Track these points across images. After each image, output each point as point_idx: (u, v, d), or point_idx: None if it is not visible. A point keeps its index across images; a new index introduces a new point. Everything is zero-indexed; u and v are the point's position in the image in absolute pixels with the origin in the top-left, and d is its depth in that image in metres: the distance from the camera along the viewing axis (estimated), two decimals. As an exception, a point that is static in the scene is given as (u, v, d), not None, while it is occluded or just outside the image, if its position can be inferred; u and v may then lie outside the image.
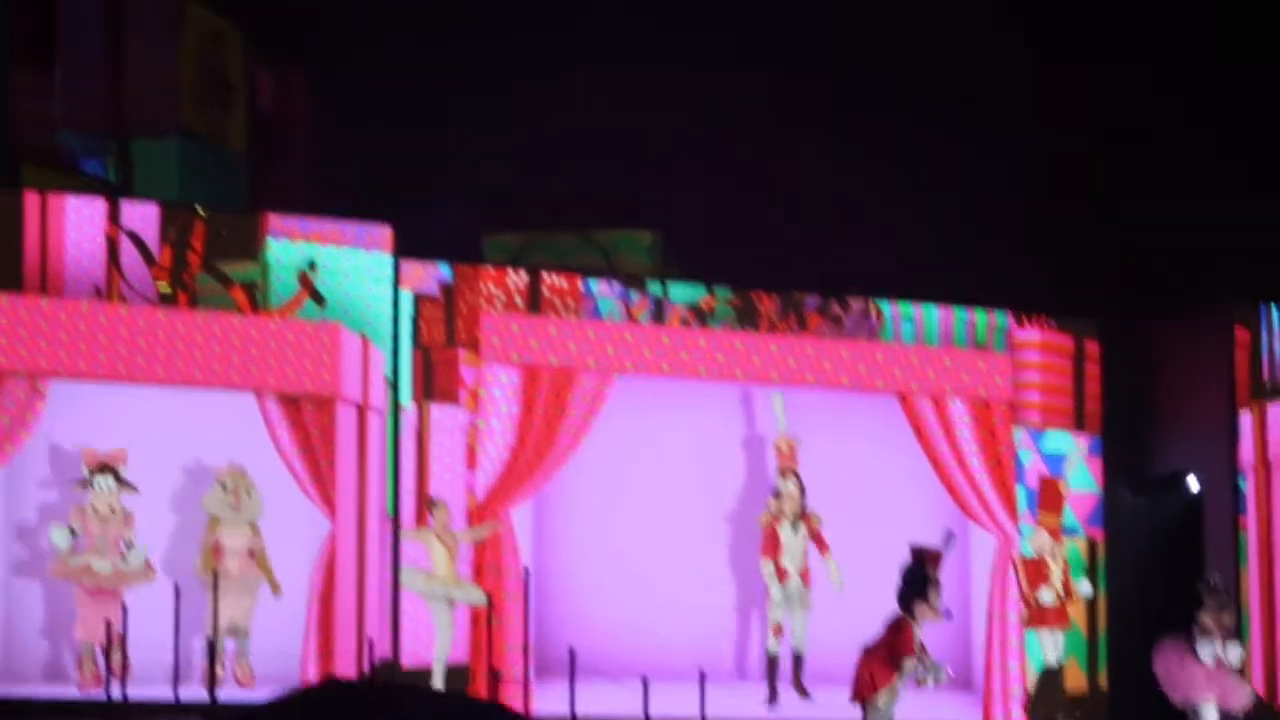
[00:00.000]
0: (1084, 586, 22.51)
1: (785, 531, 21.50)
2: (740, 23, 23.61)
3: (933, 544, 19.39)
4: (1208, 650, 20.40)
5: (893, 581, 19.56)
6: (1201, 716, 20.36)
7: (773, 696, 21.34)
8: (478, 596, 20.32)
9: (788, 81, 23.66)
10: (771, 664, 21.39)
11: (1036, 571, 22.45)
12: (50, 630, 19.10)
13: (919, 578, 19.15)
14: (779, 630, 21.40)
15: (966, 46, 24.00)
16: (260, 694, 18.95)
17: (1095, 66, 24.41)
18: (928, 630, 19.65)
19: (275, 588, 19.50)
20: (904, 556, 19.38)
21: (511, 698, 19.83)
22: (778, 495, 21.57)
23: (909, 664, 19.04)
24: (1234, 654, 20.53)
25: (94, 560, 19.02)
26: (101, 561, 19.03)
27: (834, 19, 23.41)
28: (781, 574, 21.42)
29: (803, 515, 21.49)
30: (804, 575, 21.43)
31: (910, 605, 19.11)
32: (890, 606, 19.02)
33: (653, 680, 19.11)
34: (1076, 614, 22.58)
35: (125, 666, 18.23)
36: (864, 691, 19.23)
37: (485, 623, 20.14)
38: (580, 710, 19.01)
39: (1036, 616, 22.43)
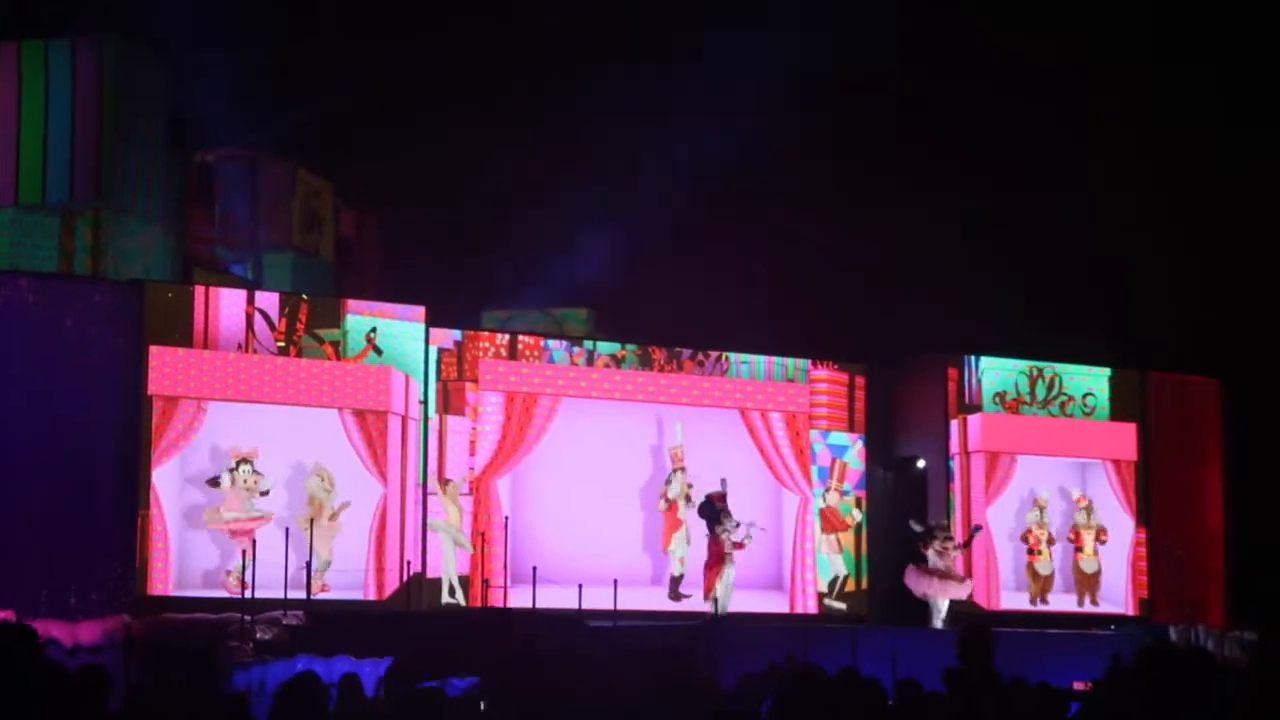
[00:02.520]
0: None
1: (680, 503, 21.34)
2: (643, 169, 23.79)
3: (716, 490, 19.67)
4: (939, 563, 20.59)
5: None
6: (937, 605, 20.54)
7: (674, 596, 21.22)
8: (467, 544, 20.19)
9: (667, 217, 23.83)
10: (676, 580, 21.24)
11: (831, 517, 22.40)
12: (207, 558, 19.04)
13: (711, 511, 19.45)
14: (682, 560, 21.23)
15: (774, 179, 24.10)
16: (335, 596, 19.06)
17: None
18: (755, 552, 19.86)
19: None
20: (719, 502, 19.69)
21: (496, 597, 19.83)
22: (669, 481, 21.46)
23: (727, 562, 19.20)
24: (957, 562, 20.92)
25: (232, 514, 19.03)
26: (237, 514, 19.03)
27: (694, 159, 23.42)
28: (678, 525, 21.31)
29: (688, 492, 21.34)
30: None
31: (714, 529, 19.39)
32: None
33: (585, 586, 19.09)
34: (848, 542, 22.47)
35: (254, 579, 18.13)
36: (708, 591, 19.40)
37: (480, 550, 20.05)
38: (540, 604, 18.90)
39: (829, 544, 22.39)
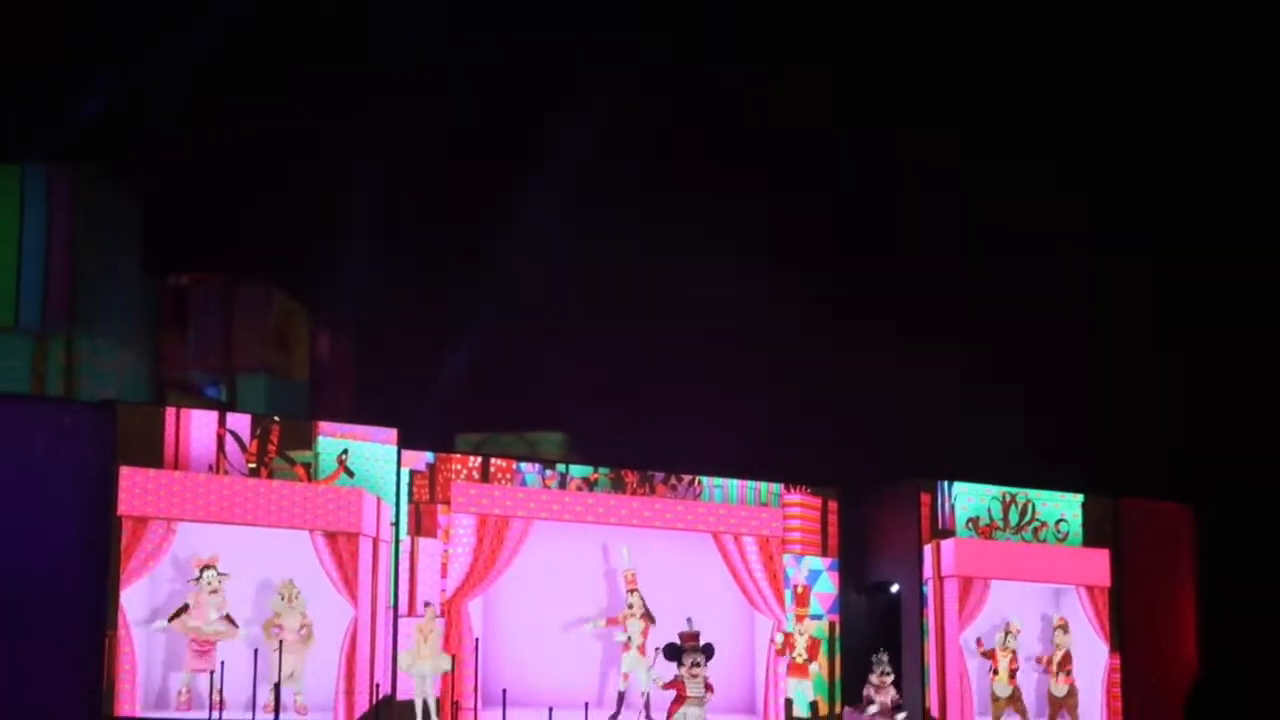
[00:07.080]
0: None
1: (632, 624, 21.11)
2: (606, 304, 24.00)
3: (686, 629, 19.66)
4: (875, 700, 20.53)
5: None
6: None
7: (616, 716, 20.88)
8: (446, 665, 20.05)
9: (642, 343, 24.02)
10: (620, 697, 20.93)
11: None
12: (176, 679, 18.86)
13: (675, 652, 19.45)
14: (626, 677, 20.98)
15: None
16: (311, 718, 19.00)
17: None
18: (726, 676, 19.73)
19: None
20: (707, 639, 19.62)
21: (466, 720, 19.79)
22: (630, 605, 21.22)
23: (688, 703, 19.15)
24: (891, 698, 20.72)
25: (200, 624, 18.94)
26: (203, 625, 18.94)
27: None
28: (626, 647, 21.02)
29: (644, 616, 21.13)
30: (641, 649, 20.96)
31: (678, 670, 19.40)
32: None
33: (556, 709, 19.03)
34: (822, 667, 22.30)
35: (222, 701, 18.05)
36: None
37: (451, 672, 19.97)
38: (510, 729, 18.88)
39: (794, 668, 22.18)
